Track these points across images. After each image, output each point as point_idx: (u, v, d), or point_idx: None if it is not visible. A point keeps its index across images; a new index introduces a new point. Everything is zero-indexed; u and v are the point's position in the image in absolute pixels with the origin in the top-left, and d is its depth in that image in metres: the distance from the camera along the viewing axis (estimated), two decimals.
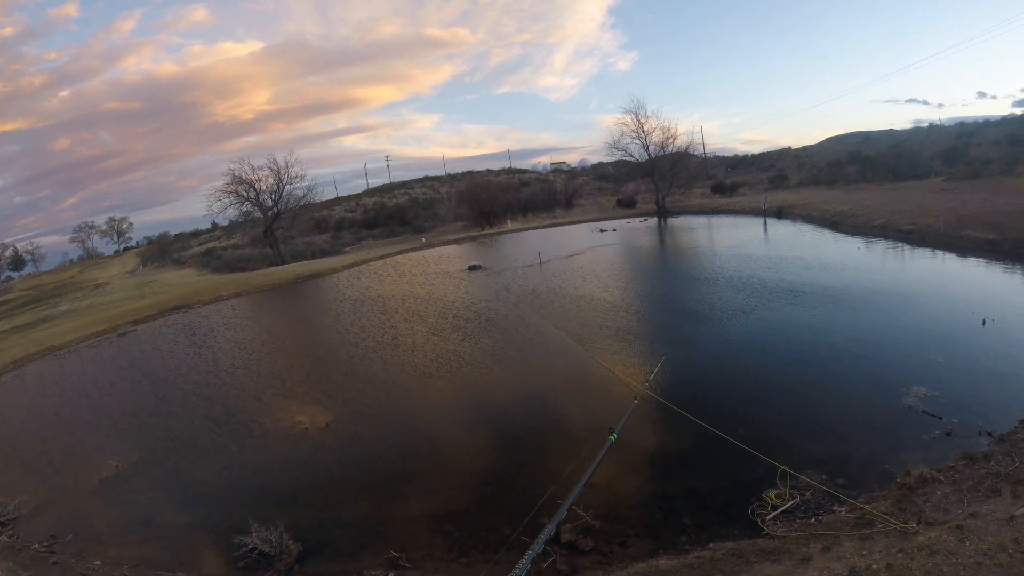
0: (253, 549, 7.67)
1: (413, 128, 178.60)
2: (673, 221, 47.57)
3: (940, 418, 8.73)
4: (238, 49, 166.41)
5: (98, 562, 8.08)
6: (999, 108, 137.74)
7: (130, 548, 8.45)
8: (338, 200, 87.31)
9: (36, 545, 8.82)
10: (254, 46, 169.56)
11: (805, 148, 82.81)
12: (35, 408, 16.74)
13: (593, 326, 16.97)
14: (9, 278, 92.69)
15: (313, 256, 52.23)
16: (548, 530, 6.79)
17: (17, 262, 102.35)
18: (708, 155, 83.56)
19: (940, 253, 21.28)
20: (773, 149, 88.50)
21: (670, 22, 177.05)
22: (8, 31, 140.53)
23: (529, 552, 6.35)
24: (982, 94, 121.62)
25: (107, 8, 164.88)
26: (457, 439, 10.66)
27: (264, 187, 52.35)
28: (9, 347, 27.11)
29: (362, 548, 7.60)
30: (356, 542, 7.77)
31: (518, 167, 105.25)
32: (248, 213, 53.53)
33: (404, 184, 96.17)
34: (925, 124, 71.04)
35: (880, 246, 24.29)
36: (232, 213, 53.18)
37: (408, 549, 7.35)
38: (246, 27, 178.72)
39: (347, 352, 17.66)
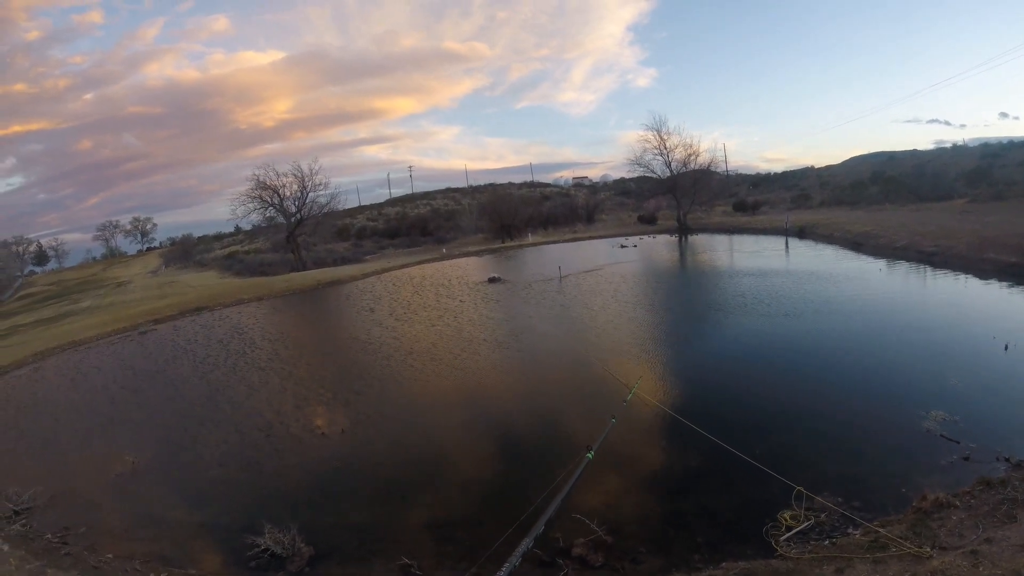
0: (265, 550, 7.73)
1: (434, 140, 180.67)
2: (694, 238, 47.50)
3: (958, 443, 8.59)
4: (259, 58, 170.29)
5: (110, 556, 8.16)
6: (1022, 129, 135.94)
7: (142, 543, 8.54)
8: (360, 208, 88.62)
9: (49, 535, 8.91)
10: (275, 56, 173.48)
11: (828, 167, 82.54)
12: (53, 401, 17.07)
13: (610, 338, 16.99)
14: (32, 272, 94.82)
15: (334, 263, 52.76)
16: (525, 543, 6.72)
17: (41, 257, 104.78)
18: (730, 173, 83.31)
19: (962, 276, 21.00)
20: (795, 168, 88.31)
21: (689, 40, 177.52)
22: (34, 35, 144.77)
23: (506, 565, 6.31)
24: (1004, 115, 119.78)
25: (131, 16, 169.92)
26: (471, 449, 10.70)
27: (288, 193, 53.02)
28: (30, 340, 27.69)
29: (374, 554, 7.62)
30: (368, 548, 7.79)
31: (539, 181, 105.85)
32: (271, 219, 54.11)
33: (426, 195, 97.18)
34: (947, 144, 70.60)
35: (902, 267, 24.04)
36: (255, 218, 53.91)
37: (419, 556, 7.35)
38: (266, 37, 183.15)
39: (365, 359, 17.79)
